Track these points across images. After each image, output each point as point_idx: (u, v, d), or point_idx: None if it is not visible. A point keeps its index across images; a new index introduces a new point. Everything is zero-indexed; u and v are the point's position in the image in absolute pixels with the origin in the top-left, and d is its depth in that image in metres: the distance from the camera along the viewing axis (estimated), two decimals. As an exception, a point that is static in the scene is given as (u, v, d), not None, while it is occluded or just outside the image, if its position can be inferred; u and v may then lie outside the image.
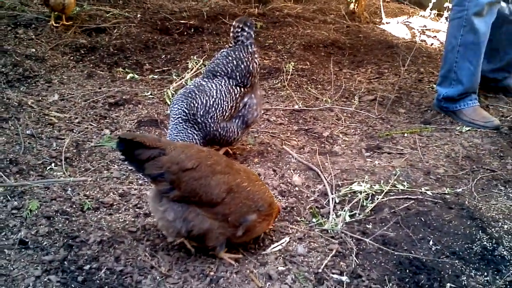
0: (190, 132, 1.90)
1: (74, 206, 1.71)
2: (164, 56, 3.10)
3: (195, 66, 2.84)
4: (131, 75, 2.78)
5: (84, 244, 1.54)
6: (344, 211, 1.74)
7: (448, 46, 2.55)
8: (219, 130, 1.94)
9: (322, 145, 2.24)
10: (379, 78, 2.98)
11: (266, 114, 2.46)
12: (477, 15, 2.42)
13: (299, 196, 1.85)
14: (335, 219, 1.72)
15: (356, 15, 4.09)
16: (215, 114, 1.92)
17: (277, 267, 1.51)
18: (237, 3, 4.14)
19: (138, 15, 3.59)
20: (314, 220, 1.72)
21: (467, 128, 2.41)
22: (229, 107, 1.95)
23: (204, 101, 1.91)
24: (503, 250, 1.62)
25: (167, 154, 1.47)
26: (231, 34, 2.02)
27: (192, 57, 2.98)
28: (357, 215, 1.73)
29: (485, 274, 1.54)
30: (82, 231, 1.59)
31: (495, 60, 2.74)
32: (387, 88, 2.84)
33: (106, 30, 3.31)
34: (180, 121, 1.89)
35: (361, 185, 1.88)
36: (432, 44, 3.64)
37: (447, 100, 2.55)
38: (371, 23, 3.99)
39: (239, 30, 1.99)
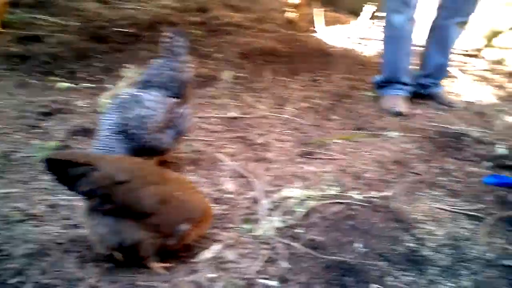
0: (120, 143, 1.88)
1: None
2: (99, 65, 3.07)
3: (130, 75, 2.82)
4: (64, 84, 2.74)
5: (9, 258, 1.51)
6: (276, 217, 1.77)
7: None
8: (152, 141, 1.93)
9: (256, 152, 2.27)
10: (314, 86, 3.04)
11: (201, 122, 2.47)
12: (393, 11, 2.66)
13: (232, 203, 1.86)
14: (266, 225, 1.74)
15: (294, 24, 4.16)
16: (148, 126, 1.90)
17: (208, 275, 1.52)
18: (177, 11, 4.14)
19: (75, 23, 3.54)
20: (246, 226, 1.74)
21: (396, 134, 2.49)
22: (163, 118, 1.94)
23: (137, 112, 1.90)
24: (426, 250, 1.68)
25: (98, 169, 1.46)
26: (164, 45, 2.02)
27: (127, 65, 2.96)
28: (288, 220, 1.77)
29: (410, 274, 1.59)
30: (7, 244, 1.56)
31: (424, 66, 2.89)
32: (321, 95, 2.90)
33: (41, 38, 3.25)
34: (111, 132, 1.87)
35: (293, 191, 1.91)
36: (366, 51, 3.74)
37: (377, 86, 2.88)
38: (308, 32, 4.07)
39: (171, 40, 1.99)
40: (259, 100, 2.80)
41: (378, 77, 2.87)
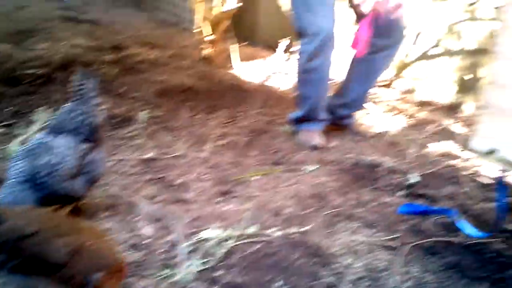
0: (29, 193, 1.79)
1: None
2: (10, 108, 2.94)
3: (42, 120, 2.72)
4: (-30, 131, 2.61)
5: None
6: (195, 260, 1.74)
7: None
8: (64, 189, 1.85)
9: (175, 193, 2.24)
10: (232, 122, 3.05)
11: (117, 165, 2.41)
12: (311, 53, 2.60)
13: (150, 248, 1.82)
14: (185, 270, 1.71)
15: (210, 60, 4.18)
16: (59, 174, 1.83)
17: (125, 327, 1.46)
18: (91, 50, 4.07)
19: (-17, 66, 3.40)
20: (164, 272, 1.70)
21: (313, 167, 2.53)
22: (75, 164, 1.88)
23: (47, 160, 1.82)
24: (345, 284, 1.70)
25: (3, 222, 1.39)
26: (73, 88, 1.96)
27: (39, 109, 2.86)
28: (208, 263, 1.74)
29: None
30: None
31: (344, 97, 2.94)
32: (239, 131, 2.91)
33: None
34: (18, 181, 1.79)
35: (212, 232, 1.90)
36: (282, 86, 3.81)
37: (294, 122, 2.87)
38: (225, 68, 4.10)
39: (80, 83, 1.94)
40: (177, 139, 2.77)
41: (295, 114, 2.87)
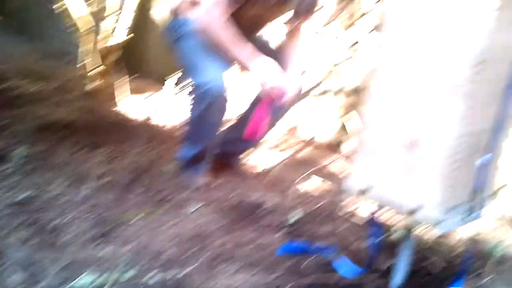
0: None
1: None
2: None
3: None
4: None
5: None
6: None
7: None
8: None
9: (49, 236, 2.11)
10: (116, 159, 2.96)
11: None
12: (205, 95, 2.50)
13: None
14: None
15: (97, 94, 4.07)
16: None
17: None
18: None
19: None
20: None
21: (196, 207, 2.50)
22: None
23: None
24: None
25: None
26: None
27: None
28: (81, 311, 1.65)
29: None
30: None
31: (233, 133, 2.96)
32: (122, 170, 2.82)
33: None
34: None
35: (87, 278, 1.80)
36: (169, 122, 3.77)
37: (181, 160, 2.81)
38: (112, 102, 4.00)
39: None
40: (55, 177, 2.63)
41: (181, 153, 2.82)
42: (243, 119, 2.92)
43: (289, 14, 2.74)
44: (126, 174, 2.75)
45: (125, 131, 3.41)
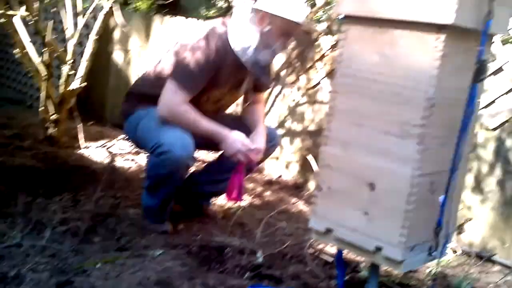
0: None
1: None
2: None
3: None
4: None
5: None
6: None
7: None
8: None
9: (8, 287, 2.05)
10: (75, 206, 2.90)
11: None
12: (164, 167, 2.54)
13: None
14: None
15: (55, 140, 4.02)
16: None
17: None
18: None
19: None
20: None
21: (159, 252, 2.47)
22: None
23: None
24: None
25: None
26: None
27: None
28: None
29: None
30: None
31: (202, 177, 2.98)
32: (82, 216, 2.77)
33: None
34: None
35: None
36: (130, 168, 3.74)
37: (142, 208, 2.79)
38: (70, 148, 3.96)
39: None
40: (13, 226, 2.57)
41: (144, 201, 2.77)
42: (213, 164, 2.97)
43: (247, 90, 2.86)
44: (86, 220, 2.70)
45: (85, 176, 3.36)
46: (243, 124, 2.80)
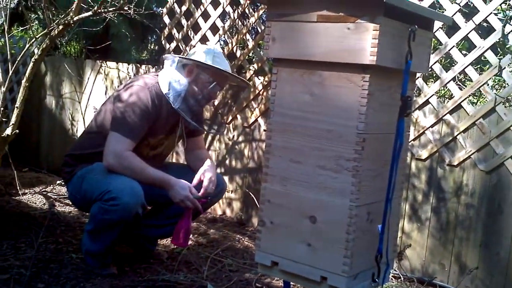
0: None
1: None
2: None
3: None
4: None
5: None
6: None
7: None
8: None
9: None
10: (16, 254, 2.84)
11: None
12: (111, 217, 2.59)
13: None
14: None
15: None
16: None
17: None
18: None
19: None
20: None
21: (106, 296, 2.46)
22: None
23: None
24: None
25: None
26: None
27: None
28: None
29: None
30: None
31: (151, 220, 2.97)
32: (24, 263, 2.71)
33: None
34: None
35: None
36: (70, 212, 3.70)
37: (85, 253, 2.76)
38: (6, 195, 3.87)
39: None
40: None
41: (87, 246, 2.75)
42: (158, 209, 2.98)
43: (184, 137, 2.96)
44: (28, 267, 2.65)
45: (24, 223, 3.29)
46: (189, 172, 2.86)
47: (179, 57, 2.78)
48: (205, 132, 3.38)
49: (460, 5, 3.07)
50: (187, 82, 2.70)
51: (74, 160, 2.84)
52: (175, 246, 3.22)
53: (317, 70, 1.77)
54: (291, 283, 2.11)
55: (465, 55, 3.11)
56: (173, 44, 4.28)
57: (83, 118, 4.81)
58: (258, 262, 1.94)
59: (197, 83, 2.71)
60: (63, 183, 4.26)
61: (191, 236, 3.20)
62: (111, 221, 2.58)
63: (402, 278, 3.13)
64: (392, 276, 3.12)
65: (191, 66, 2.72)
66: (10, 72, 3.63)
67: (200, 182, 2.73)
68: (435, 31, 3.10)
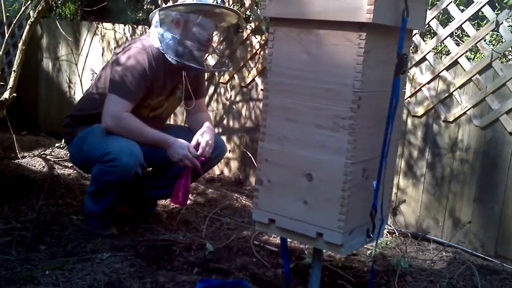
0: None
1: None
2: None
3: None
4: None
5: None
6: None
7: None
8: None
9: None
10: (17, 216, 2.88)
11: None
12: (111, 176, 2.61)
13: None
14: None
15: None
16: None
17: None
18: None
19: None
20: None
21: (107, 255, 2.50)
22: None
23: None
24: None
25: None
26: None
27: None
28: None
29: None
30: None
31: (153, 180, 3.02)
32: (25, 225, 2.75)
33: None
34: None
35: None
36: (69, 174, 3.73)
37: (87, 214, 2.82)
38: (6, 159, 3.90)
39: None
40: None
41: (88, 203, 2.79)
42: (158, 170, 3.00)
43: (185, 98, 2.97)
44: (31, 229, 2.69)
45: (24, 186, 3.32)
46: (188, 133, 2.88)
47: (158, 9, 2.73)
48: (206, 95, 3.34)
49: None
50: (178, 31, 2.69)
51: (74, 121, 2.85)
52: (174, 206, 3.27)
53: (314, 29, 1.77)
54: (288, 239, 2.15)
55: (462, 10, 3.09)
56: (170, 3, 4.23)
57: (80, 80, 4.80)
58: (255, 220, 1.97)
59: (186, 29, 2.69)
60: (62, 145, 4.29)
61: (190, 195, 3.24)
62: (111, 182, 2.61)
63: (396, 234, 3.19)
64: (386, 231, 3.18)
65: (176, 19, 2.70)
66: (6, 35, 3.61)
67: (198, 144, 2.75)
68: (432, -13, 3.07)
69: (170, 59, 2.67)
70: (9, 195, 3.16)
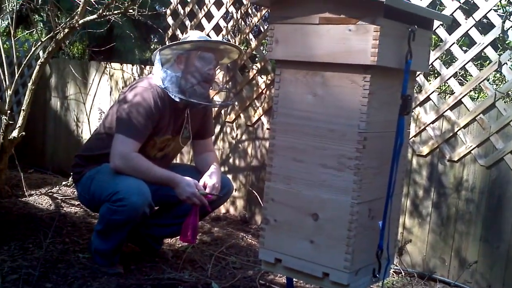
0: None
1: None
2: None
3: None
4: None
5: None
6: None
7: None
8: None
9: None
10: (24, 254, 2.89)
11: None
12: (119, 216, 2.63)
13: None
14: None
15: (-2, 188, 3.97)
16: None
17: None
18: None
19: None
20: None
21: (114, 294, 2.50)
22: None
23: None
24: None
25: None
26: None
27: None
28: None
29: None
30: None
31: (158, 219, 3.00)
32: (32, 264, 2.76)
33: None
34: None
35: None
36: (76, 212, 3.74)
37: (93, 252, 2.81)
38: (13, 197, 3.92)
39: None
40: (-40, 279, 2.54)
41: (95, 242, 2.80)
42: (165, 209, 3.00)
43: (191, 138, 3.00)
44: (37, 267, 2.69)
45: (31, 224, 3.33)
46: (195, 172, 2.90)
47: (159, 49, 2.78)
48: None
49: (460, 2, 3.10)
50: (180, 68, 2.73)
51: (83, 160, 2.89)
52: (180, 244, 3.27)
53: (320, 71, 1.81)
54: (294, 279, 2.15)
55: (465, 51, 3.14)
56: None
57: (88, 120, 4.86)
58: (261, 259, 1.98)
59: (187, 66, 2.73)
60: (69, 183, 4.31)
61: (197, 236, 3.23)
62: (119, 221, 2.63)
63: (403, 273, 3.17)
64: (393, 271, 3.16)
65: (179, 56, 2.74)
66: (16, 75, 3.69)
67: (205, 186, 2.77)
68: (436, 28, 3.13)
69: (173, 97, 2.70)
70: (16, 233, 3.17)
